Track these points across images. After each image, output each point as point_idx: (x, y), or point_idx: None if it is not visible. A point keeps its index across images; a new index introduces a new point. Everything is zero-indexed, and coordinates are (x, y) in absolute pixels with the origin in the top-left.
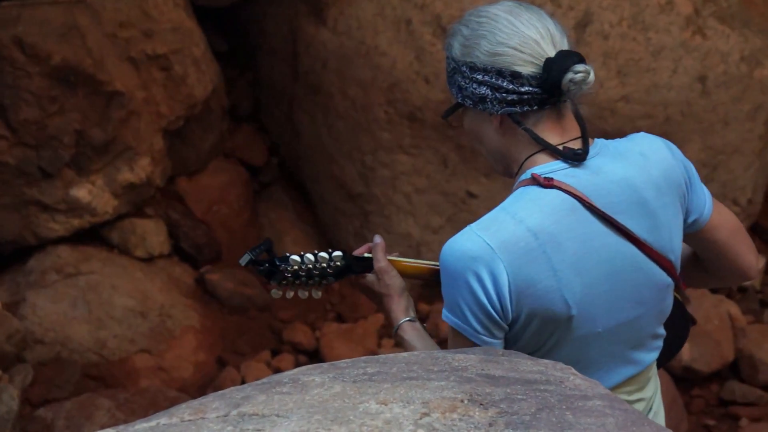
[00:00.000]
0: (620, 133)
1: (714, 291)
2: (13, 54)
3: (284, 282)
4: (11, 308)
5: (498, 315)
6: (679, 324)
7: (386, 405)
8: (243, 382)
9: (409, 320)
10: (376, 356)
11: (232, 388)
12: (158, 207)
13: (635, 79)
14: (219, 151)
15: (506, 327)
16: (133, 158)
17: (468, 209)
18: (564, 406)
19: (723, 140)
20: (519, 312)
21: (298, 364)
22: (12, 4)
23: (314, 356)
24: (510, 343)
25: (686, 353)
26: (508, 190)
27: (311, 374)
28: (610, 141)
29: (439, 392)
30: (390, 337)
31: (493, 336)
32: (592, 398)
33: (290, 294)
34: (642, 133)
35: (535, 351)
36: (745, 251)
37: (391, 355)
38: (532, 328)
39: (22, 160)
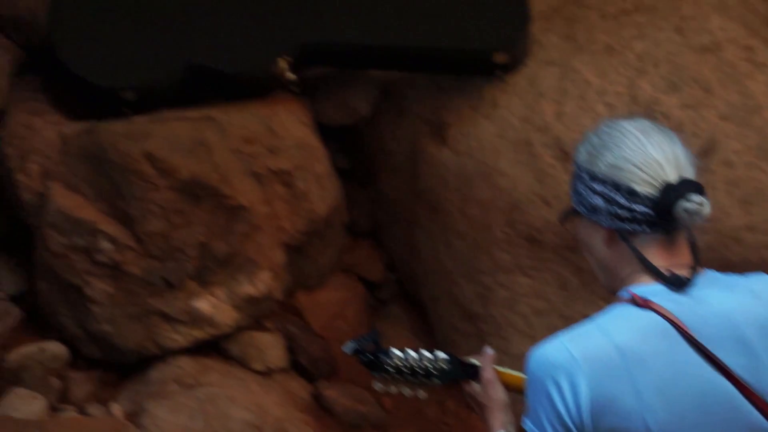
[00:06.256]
0: (746, 263)
1: None
2: (143, 167)
3: (386, 375)
4: (132, 418)
5: (575, 427)
6: None
7: None
8: None
9: None
10: None
11: None
12: (277, 320)
13: (761, 208)
14: (337, 267)
15: None
16: (254, 272)
17: None
18: None
19: None
20: (597, 429)
21: None
22: (143, 120)
23: None
24: None
25: None
26: None
27: None
28: (722, 274)
29: None
30: None
31: None
32: None
33: (393, 389)
34: (762, 273)
35: None
36: None
37: None
38: None
39: (147, 271)
